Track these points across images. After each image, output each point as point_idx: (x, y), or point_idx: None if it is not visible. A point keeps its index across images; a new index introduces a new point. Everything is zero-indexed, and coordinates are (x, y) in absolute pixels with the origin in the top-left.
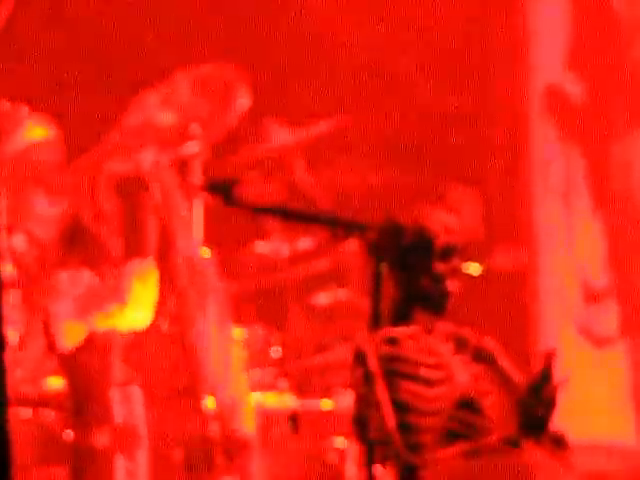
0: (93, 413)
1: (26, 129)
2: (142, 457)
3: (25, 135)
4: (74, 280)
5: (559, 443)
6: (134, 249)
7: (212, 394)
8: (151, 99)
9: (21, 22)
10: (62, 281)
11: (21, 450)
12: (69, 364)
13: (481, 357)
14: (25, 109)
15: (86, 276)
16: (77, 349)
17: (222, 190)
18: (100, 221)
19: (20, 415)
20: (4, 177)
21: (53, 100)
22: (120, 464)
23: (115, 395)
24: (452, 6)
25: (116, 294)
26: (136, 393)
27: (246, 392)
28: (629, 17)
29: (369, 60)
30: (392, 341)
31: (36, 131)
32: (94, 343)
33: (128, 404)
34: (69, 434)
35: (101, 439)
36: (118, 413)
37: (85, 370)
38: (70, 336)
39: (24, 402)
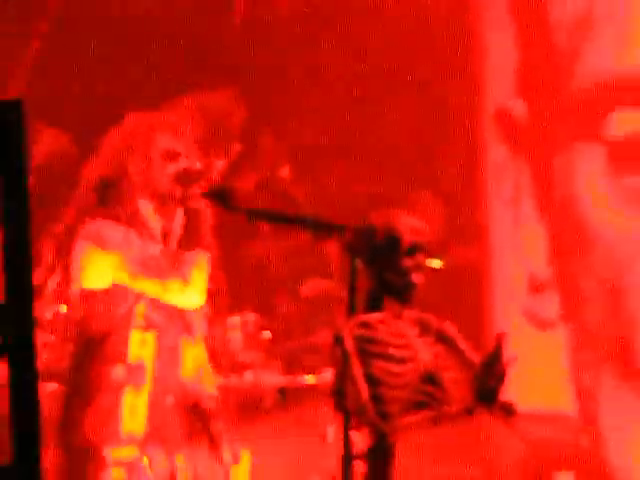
0: (112, 349)
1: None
2: (144, 396)
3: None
4: (116, 231)
5: (508, 412)
6: (192, 239)
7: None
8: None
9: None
10: (102, 226)
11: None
12: (96, 302)
13: (442, 339)
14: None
15: (135, 238)
16: (105, 291)
17: (221, 197)
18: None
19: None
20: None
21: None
22: (126, 398)
23: (133, 337)
24: (419, 40)
25: (179, 272)
26: (150, 339)
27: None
28: (567, 48)
29: (347, 86)
30: (366, 325)
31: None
32: (124, 292)
33: (143, 347)
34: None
35: (116, 373)
36: (133, 353)
37: (111, 311)
38: (97, 278)
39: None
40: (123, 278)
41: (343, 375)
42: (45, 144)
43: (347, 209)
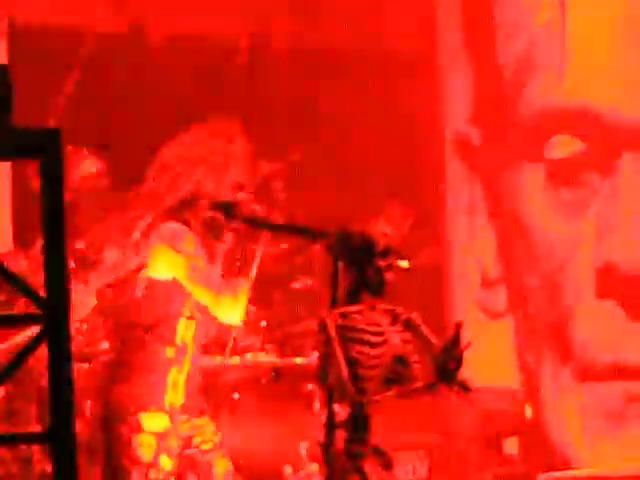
0: (165, 332)
1: (83, 164)
2: (184, 373)
3: (82, 168)
4: (189, 239)
5: (465, 388)
6: (241, 269)
7: None
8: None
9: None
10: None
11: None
12: (153, 289)
13: (409, 327)
14: (84, 150)
15: (201, 249)
16: (162, 281)
17: (224, 208)
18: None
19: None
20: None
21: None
22: (171, 374)
23: (180, 324)
24: (392, 77)
25: (231, 292)
26: (192, 326)
27: None
28: (513, 83)
29: (334, 116)
30: (345, 315)
31: (90, 165)
32: (181, 286)
33: (186, 332)
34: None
35: (168, 352)
36: (179, 337)
37: (166, 297)
38: (161, 271)
39: (83, 359)
40: (183, 279)
41: (327, 357)
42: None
43: (331, 217)
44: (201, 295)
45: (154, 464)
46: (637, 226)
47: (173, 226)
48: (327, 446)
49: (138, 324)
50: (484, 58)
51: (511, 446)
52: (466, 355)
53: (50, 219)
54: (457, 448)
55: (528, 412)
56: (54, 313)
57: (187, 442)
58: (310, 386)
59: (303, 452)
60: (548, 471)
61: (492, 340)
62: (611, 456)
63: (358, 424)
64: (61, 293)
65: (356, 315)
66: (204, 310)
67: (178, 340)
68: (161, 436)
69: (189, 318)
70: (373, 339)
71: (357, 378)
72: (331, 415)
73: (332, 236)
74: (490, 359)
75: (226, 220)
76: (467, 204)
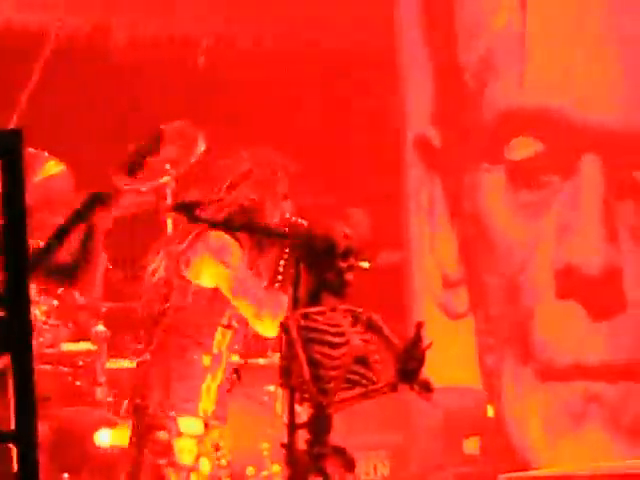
0: (204, 339)
1: (45, 166)
2: (217, 381)
3: (44, 170)
4: (236, 252)
5: (427, 388)
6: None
7: None
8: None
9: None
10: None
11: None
12: (196, 296)
13: (371, 327)
14: (44, 153)
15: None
16: (204, 289)
17: (186, 210)
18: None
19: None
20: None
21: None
22: (206, 381)
23: (218, 333)
24: (356, 81)
25: (273, 306)
26: (227, 335)
27: None
28: (474, 85)
29: (300, 121)
30: (307, 317)
31: (52, 167)
32: (216, 293)
33: (223, 341)
34: None
35: (204, 361)
36: (217, 345)
37: (207, 305)
38: (204, 280)
39: (46, 361)
40: (226, 290)
41: (289, 358)
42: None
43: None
44: (243, 308)
45: (194, 468)
46: (597, 227)
47: (221, 237)
48: (289, 447)
49: (178, 330)
50: (445, 59)
51: (472, 446)
52: (427, 355)
53: (11, 223)
54: (419, 448)
55: (489, 412)
56: (14, 309)
57: (216, 448)
58: (272, 387)
59: (265, 453)
60: (509, 471)
61: (453, 341)
62: (571, 456)
63: (320, 425)
64: (21, 291)
65: (317, 316)
66: (242, 320)
67: (215, 348)
68: (199, 440)
69: (226, 327)
70: (334, 340)
71: (319, 379)
72: (293, 416)
73: (293, 237)
74: (451, 359)
75: (188, 221)
76: (428, 205)
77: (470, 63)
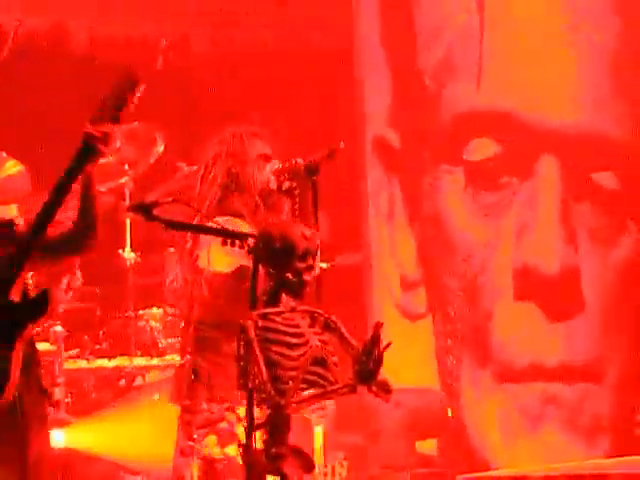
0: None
1: (4, 166)
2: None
3: (2, 170)
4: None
5: (385, 389)
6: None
7: None
8: None
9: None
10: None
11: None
12: (218, 283)
13: (329, 328)
14: (3, 153)
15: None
16: (228, 274)
17: (144, 209)
18: None
19: None
20: None
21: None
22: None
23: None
24: (313, 82)
25: None
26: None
27: None
28: (433, 88)
29: (248, 114)
30: (265, 317)
31: (10, 167)
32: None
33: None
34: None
35: (231, 347)
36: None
37: (232, 291)
38: (219, 262)
39: None
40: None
41: (247, 359)
42: None
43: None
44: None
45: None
46: (555, 228)
47: (232, 221)
48: (247, 447)
49: (207, 323)
50: (404, 61)
51: (430, 447)
52: (386, 356)
53: None
54: (376, 449)
55: (448, 413)
56: None
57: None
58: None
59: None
60: (467, 472)
61: (412, 342)
62: (529, 457)
63: (278, 425)
64: None
65: (276, 317)
66: None
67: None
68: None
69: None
70: (292, 340)
71: (277, 379)
72: (251, 416)
73: (252, 238)
74: (410, 361)
75: (146, 221)
76: (387, 206)
77: (428, 65)
